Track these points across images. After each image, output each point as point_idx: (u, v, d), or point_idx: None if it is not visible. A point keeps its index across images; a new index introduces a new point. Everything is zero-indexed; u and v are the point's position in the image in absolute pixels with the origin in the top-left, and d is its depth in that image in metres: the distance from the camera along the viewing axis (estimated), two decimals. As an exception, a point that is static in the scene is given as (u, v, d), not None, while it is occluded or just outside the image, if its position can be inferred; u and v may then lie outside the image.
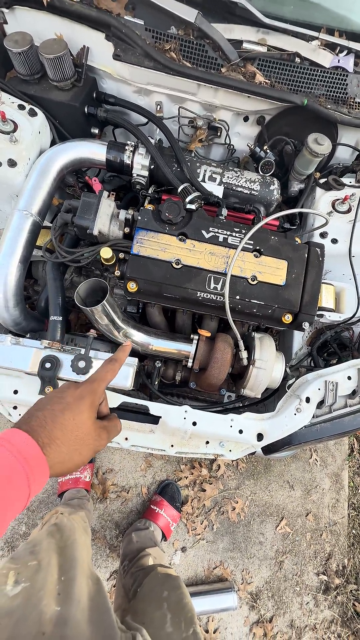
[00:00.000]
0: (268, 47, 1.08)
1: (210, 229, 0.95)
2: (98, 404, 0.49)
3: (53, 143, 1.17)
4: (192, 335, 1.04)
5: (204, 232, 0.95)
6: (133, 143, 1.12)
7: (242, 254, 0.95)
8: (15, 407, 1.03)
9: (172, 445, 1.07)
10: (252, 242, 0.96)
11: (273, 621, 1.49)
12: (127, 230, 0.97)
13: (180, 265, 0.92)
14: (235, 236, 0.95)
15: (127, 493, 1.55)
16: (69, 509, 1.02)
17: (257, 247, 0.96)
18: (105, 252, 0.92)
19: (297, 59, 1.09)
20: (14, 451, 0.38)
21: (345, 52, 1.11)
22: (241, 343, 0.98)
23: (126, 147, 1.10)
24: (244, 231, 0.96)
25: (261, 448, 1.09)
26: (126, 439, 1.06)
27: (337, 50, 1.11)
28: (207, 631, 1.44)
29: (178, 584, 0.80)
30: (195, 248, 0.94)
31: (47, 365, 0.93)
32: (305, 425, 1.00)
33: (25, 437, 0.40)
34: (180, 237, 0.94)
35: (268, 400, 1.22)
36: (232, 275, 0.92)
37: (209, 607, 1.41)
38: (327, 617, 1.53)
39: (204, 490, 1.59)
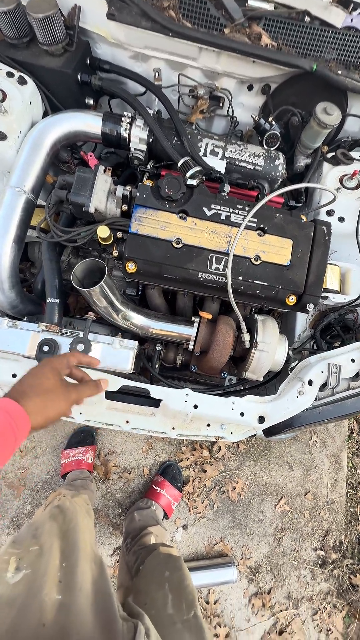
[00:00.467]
0: (275, 4, 0.99)
1: (212, 205, 0.90)
2: (60, 368, 0.59)
3: (45, 115, 1.10)
4: (193, 318, 1.01)
5: (205, 209, 0.90)
6: (130, 114, 1.05)
7: (246, 232, 0.91)
8: (14, 391, 1.02)
9: (173, 428, 1.06)
10: (255, 220, 0.92)
11: (271, 593, 1.54)
12: (125, 207, 0.93)
13: (180, 245, 0.89)
14: (239, 214, 0.91)
15: (129, 474, 1.57)
16: (72, 492, 1.03)
17: (261, 225, 0.92)
18: (103, 231, 0.88)
19: (307, 18, 1.01)
20: None
21: (359, 11, 1.03)
22: (243, 325, 0.95)
23: (123, 119, 1.04)
24: (247, 208, 0.91)
25: (262, 430, 1.09)
26: (127, 422, 1.06)
27: (351, 8, 1.02)
28: (207, 602, 1.50)
29: (179, 565, 0.81)
30: (197, 226, 0.89)
31: (45, 348, 0.91)
32: (307, 408, 0.99)
33: (2, 398, 0.50)
34: (180, 214, 0.90)
35: (270, 383, 1.21)
36: (234, 255, 0.88)
37: (210, 580, 1.46)
38: (324, 589, 1.59)
39: (205, 471, 1.62)
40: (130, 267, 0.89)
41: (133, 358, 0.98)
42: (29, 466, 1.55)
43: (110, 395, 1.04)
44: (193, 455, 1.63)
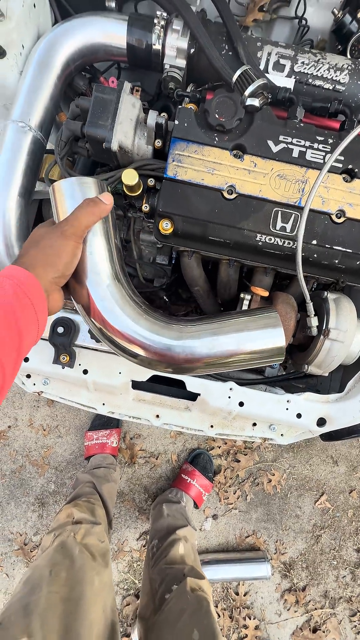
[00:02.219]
0: None
1: (281, 137, 0.64)
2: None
3: (54, 24, 0.85)
4: (242, 295, 0.80)
5: (270, 143, 0.64)
6: (164, 15, 0.77)
7: (326, 177, 0.65)
8: (28, 376, 0.88)
9: (211, 426, 0.90)
10: (342, 159, 0.65)
11: (306, 590, 1.44)
12: (158, 144, 0.69)
13: (234, 195, 0.65)
14: (319, 149, 0.64)
15: (156, 459, 1.47)
16: (86, 516, 0.89)
17: (350, 167, 0.65)
18: (129, 177, 0.65)
19: None
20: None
21: None
22: (310, 307, 0.73)
23: (155, 22, 0.76)
24: (332, 140, 0.65)
25: (320, 434, 0.90)
26: (157, 416, 0.90)
27: None
28: (237, 593, 1.42)
29: (210, 620, 0.67)
30: (257, 168, 0.65)
31: (60, 329, 0.74)
32: (388, 414, 0.77)
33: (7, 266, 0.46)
34: (235, 151, 0.65)
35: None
36: (310, 210, 0.63)
37: (241, 574, 1.37)
38: (364, 591, 1.47)
39: (238, 461, 1.48)
40: (165, 226, 0.67)
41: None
42: (52, 445, 1.48)
43: (137, 385, 0.87)
44: (225, 443, 1.49)
